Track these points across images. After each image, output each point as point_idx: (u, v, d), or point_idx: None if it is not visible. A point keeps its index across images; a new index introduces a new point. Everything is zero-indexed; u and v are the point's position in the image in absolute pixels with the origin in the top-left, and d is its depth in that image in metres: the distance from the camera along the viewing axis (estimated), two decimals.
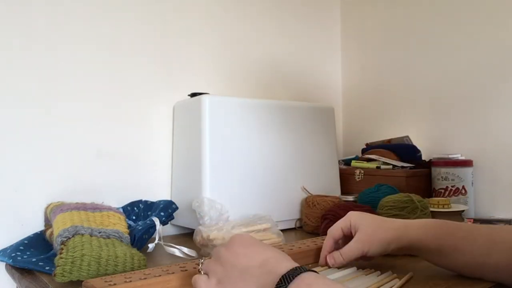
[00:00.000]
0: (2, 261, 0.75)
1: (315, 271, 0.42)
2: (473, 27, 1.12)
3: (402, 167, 1.11)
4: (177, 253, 0.79)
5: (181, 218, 0.96)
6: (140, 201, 0.93)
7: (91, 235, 0.69)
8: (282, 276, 0.41)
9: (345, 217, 0.66)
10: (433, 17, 1.22)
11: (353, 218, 0.65)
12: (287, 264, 0.43)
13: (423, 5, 1.24)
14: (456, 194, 1.06)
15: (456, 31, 1.16)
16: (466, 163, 1.08)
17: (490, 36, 1.09)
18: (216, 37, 1.16)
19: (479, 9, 1.11)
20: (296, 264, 0.43)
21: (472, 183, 1.08)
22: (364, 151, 1.27)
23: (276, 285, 0.41)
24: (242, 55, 1.21)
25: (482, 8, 1.10)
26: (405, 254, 0.72)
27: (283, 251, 0.56)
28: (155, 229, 0.80)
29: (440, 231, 0.61)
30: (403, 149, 1.18)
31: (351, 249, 0.62)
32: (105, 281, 0.52)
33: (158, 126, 1.04)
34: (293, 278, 0.40)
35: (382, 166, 1.13)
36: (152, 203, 0.91)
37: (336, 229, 0.66)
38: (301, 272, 0.41)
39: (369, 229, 0.62)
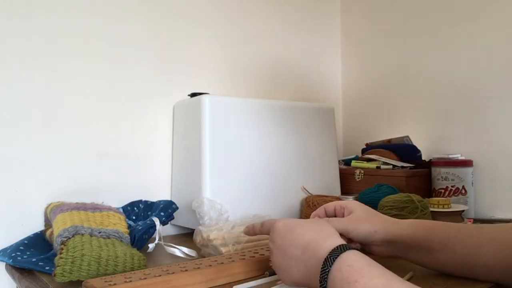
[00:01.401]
0: (2, 261, 0.75)
1: (355, 248, 0.44)
2: (473, 27, 1.12)
3: (402, 167, 1.11)
4: (177, 253, 0.79)
5: (181, 218, 0.96)
6: (140, 201, 0.93)
7: (91, 235, 0.69)
8: (324, 260, 0.43)
9: (344, 201, 0.69)
10: (433, 16, 1.22)
11: (350, 202, 0.68)
12: (326, 244, 0.46)
13: (423, 5, 1.24)
14: (456, 194, 1.06)
15: (456, 31, 1.16)
16: (466, 163, 1.08)
17: (490, 36, 1.09)
18: (216, 38, 1.16)
19: (479, 9, 1.11)
20: (335, 242, 0.46)
21: (472, 183, 1.08)
22: (364, 151, 1.27)
23: (321, 269, 0.43)
24: (242, 55, 1.21)
25: (482, 8, 1.10)
26: (397, 256, 0.71)
27: None
28: (155, 229, 0.80)
29: (430, 228, 0.62)
30: (403, 149, 1.18)
31: (340, 222, 0.64)
32: (105, 281, 0.52)
33: (158, 126, 1.04)
34: (334, 260, 0.43)
35: (382, 166, 1.13)
36: (152, 203, 0.92)
37: (329, 206, 0.68)
38: (341, 253, 0.43)
39: (362, 214, 0.65)
